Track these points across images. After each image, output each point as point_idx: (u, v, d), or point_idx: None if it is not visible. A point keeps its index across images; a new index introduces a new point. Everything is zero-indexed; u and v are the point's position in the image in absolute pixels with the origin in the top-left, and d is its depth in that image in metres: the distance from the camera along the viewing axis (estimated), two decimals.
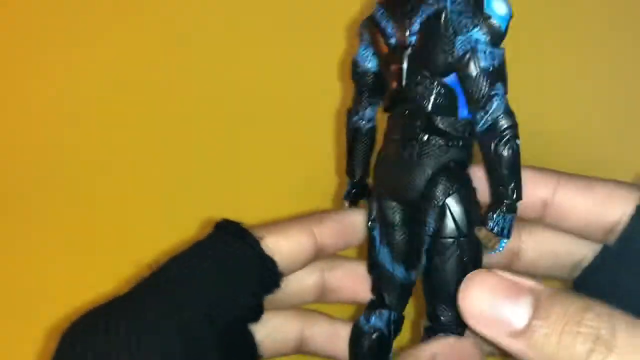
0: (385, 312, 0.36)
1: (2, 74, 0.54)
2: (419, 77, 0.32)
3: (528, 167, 0.34)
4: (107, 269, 0.48)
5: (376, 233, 0.36)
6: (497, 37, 0.31)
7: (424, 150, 0.33)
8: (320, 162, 0.51)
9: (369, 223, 0.37)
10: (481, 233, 0.32)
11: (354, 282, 0.39)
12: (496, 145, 0.31)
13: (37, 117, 0.54)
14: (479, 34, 0.31)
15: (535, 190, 0.34)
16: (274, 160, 0.52)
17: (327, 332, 0.39)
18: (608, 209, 0.34)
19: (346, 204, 0.39)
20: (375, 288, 0.37)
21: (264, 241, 0.35)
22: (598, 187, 0.34)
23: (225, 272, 0.34)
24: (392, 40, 0.33)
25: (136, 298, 0.32)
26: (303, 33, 0.51)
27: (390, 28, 0.33)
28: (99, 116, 0.53)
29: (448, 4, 0.31)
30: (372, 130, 0.38)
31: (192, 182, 0.53)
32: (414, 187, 0.33)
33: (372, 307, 0.37)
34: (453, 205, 0.32)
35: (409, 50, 0.32)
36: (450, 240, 0.32)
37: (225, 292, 0.33)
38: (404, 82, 0.33)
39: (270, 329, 0.38)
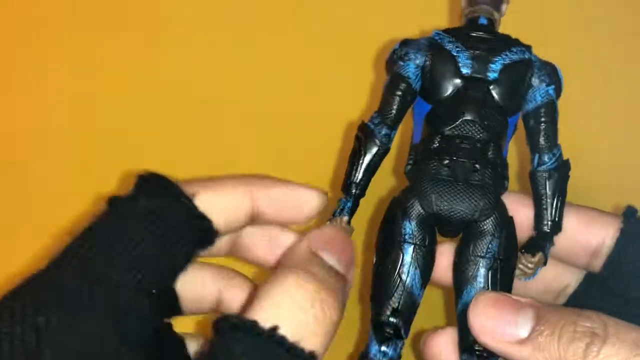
0: (400, 343, 0.36)
1: (2, 74, 0.55)
2: (487, 110, 0.37)
3: (512, 192, 0.38)
4: None
5: (408, 254, 0.36)
6: (558, 97, 0.38)
7: (480, 176, 0.36)
8: (318, 170, 0.52)
9: (399, 240, 0.36)
10: (527, 260, 0.37)
11: (274, 248, 0.37)
12: (556, 182, 0.37)
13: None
14: (553, 91, 0.38)
15: (524, 211, 0.38)
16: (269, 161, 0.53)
17: (245, 296, 0.37)
18: (591, 233, 0.37)
19: (345, 219, 0.37)
20: (391, 313, 0.35)
21: (198, 198, 0.32)
22: (581, 212, 0.38)
23: (157, 236, 0.30)
24: (466, 70, 0.37)
25: (54, 277, 0.28)
26: (301, 36, 0.54)
27: (464, 58, 0.37)
28: (87, 116, 0.54)
29: (533, 57, 0.38)
30: (388, 151, 0.38)
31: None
32: (469, 211, 0.36)
33: (385, 338, 0.36)
34: (507, 235, 0.36)
35: (490, 85, 0.37)
36: (501, 263, 0.36)
37: (158, 259, 0.31)
38: (482, 111, 0.36)
39: (191, 286, 0.35)
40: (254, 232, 0.38)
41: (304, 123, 0.54)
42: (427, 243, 0.36)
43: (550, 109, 0.37)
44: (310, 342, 0.26)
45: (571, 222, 0.37)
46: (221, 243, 0.36)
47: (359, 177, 0.37)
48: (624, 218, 0.37)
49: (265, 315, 0.26)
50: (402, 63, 0.38)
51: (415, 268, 0.36)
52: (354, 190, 0.37)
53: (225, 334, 0.25)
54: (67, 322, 0.26)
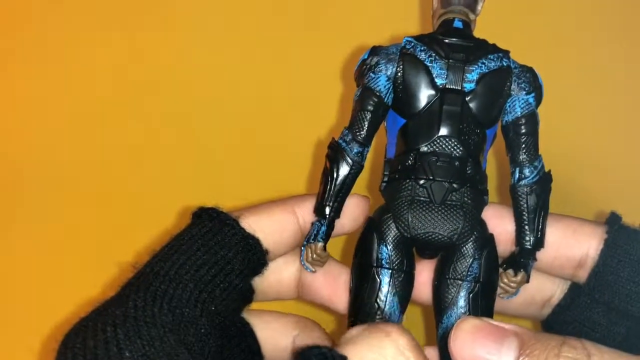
0: None
1: (1, 74, 0.54)
2: (465, 124, 0.34)
3: (494, 203, 0.36)
4: (95, 269, 0.48)
5: (385, 280, 0.34)
6: (538, 104, 0.36)
7: (459, 196, 0.34)
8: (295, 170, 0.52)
9: (375, 265, 0.34)
10: (509, 280, 0.35)
11: (330, 283, 0.38)
12: (538, 196, 0.35)
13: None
14: (533, 99, 0.35)
15: (504, 225, 0.36)
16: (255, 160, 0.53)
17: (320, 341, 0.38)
18: (575, 243, 0.36)
19: (319, 245, 0.35)
20: None
21: (244, 220, 0.35)
22: (564, 221, 0.37)
23: (210, 257, 0.33)
24: (441, 82, 0.34)
25: (125, 301, 0.31)
26: (264, 48, 0.53)
27: (438, 68, 0.35)
28: (80, 117, 0.54)
29: (512, 64, 0.35)
30: (362, 169, 0.36)
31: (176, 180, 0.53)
32: (448, 234, 0.34)
33: None
34: (487, 256, 0.34)
35: (467, 97, 0.34)
36: (482, 286, 0.34)
37: (213, 277, 0.33)
38: (460, 126, 0.34)
39: (269, 333, 0.38)
40: (316, 274, 0.38)
41: (271, 142, 0.52)
42: (405, 267, 0.35)
43: (531, 119, 0.35)
44: None
45: (554, 234, 0.36)
46: (288, 283, 0.38)
47: (332, 199, 0.35)
48: (607, 227, 0.36)
49: (353, 354, 0.27)
50: (372, 75, 0.35)
51: (394, 295, 0.34)
52: (328, 213, 0.35)
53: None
54: (131, 333, 0.28)
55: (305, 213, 0.37)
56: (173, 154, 0.53)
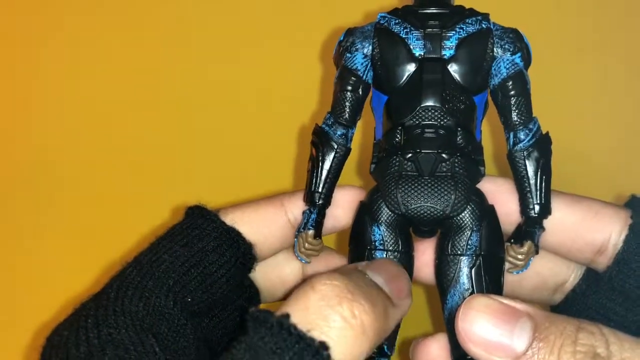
0: None
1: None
2: (449, 92, 0.33)
3: (492, 177, 0.35)
4: (86, 265, 0.48)
5: None
6: (527, 66, 0.34)
7: (449, 166, 0.32)
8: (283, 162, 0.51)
9: (369, 248, 0.33)
10: (515, 251, 0.33)
11: None
12: (537, 160, 0.33)
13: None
14: (519, 60, 0.34)
15: (505, 203, 0.34)
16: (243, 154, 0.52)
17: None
18: (596, 226, 0.34)
19: (310, 233, 0.34)
20: None
21: (226, 214, 0.35)
22: (585, 203, 0.34)
23: (187, 250, 0.33)
24: (418, 52, 0.33)
25: (101, 293, 0.31)
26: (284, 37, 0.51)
27: (414, 39, 0.33)
28: (75, 115, 0.53)
29: (492, 26, 0.34)
30: (349, 151, 0.35)
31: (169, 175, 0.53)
32: (440, 207, 0.32)
33: (369, 358, 0.32)
34: (487, 227, 0.33)
35: (448, 64, 0.33)
36: (484, 260, 0.32)
37: (188, 269, 0.33)
38: (442, 94, 0.33)
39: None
40: (316, 263, 0.37)
41: (254, 133, 0.51)
42: (400, 247, 0.33)
43: (519, 79, 0.33)
44: (323, 333, 0.24)
45: (574, 215, 0.34)
46: (292, 280, 0.38)
47: (321, 186, 0.34)
48: (631, 211, 0.34)
49: (288, 307, 0.26)
50: (349, 55, 0.34)
51: None
52: (317, 201, 0.34)
53: (249, 323, 0.25)
54: (100, 321, 0.29)
55: (294, 208, 0.36)
56: (166, 152, 0.53)
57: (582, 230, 0.34)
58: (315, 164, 0.34)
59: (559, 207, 0.34)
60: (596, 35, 0.49)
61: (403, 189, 0.32)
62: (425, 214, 0.32)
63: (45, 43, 0.53)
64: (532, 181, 0.33)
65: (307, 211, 0.35)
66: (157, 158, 0.53)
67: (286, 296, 0.36)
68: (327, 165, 0.34)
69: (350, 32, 0.35)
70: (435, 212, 0.32)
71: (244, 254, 0.35)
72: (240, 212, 0.35)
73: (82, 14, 0.53)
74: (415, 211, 0.32)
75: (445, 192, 0.32)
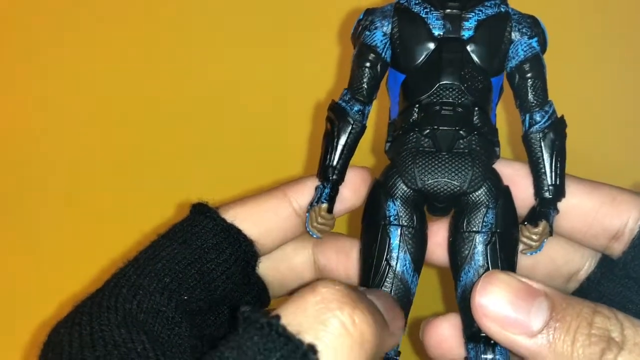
0: None
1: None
2: (467, 71, 0.33)
3: (507, 160, 0.35)
4: (88, 263, 0.48)
5: (395, 237, 0.33)
6: (543, 51, 0.34)
7: (466, 143, 0.33)
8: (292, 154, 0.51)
9: (384, 223, 0.33)
10: (530, 232, 0.33)
11: (344, 260, 0.37)
12: (552, 142, 0.33)
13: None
14: (536, 44, 0.34)
15: (519, 185, 0.34)
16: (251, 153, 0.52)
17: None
18: (613, 212, 0.33)
19: (324, 206, 0.34)
20: None
21: (227, 211, 0.34)
22: (603, 188, 0.34)
23: (185, 248, 0.33)
24: (438, 32, 0.33)
25: (101, 296, 0.31)
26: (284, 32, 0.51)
27: (434, 19, 0.33)
28: (76, 111, 0.53)
29: (510, 10, 0.34)
30: (365, 129, 0.35)
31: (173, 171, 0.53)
32: (458, 182, 0.32)
33: None
34: (503, 206, 0.33)
35: (467, 45, 0.33)
36: (499, 237, 0.32)
37: (185, 266, 0.32)
38: (461, 73, 0.33)
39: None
40: (327, 250, 0.37)
41: (270, 109, 0.51)
42: (415, 223, 0.33)
43: (536, 62, 0.34)
44: (317, 337, 0.24)
45: (592, 200, 0.34)
46: (302, 270, 0.37)
47: (335, 160, 0.34)
48: None
49: (282, 309, 0.25)
50: (368, 33, 0.34)
51: (405, 252, 0.33)
52: (331, 176, 0.34)
53: (240, 322, 0.25)
54: (93, 318, 0.29)
55: (298, 196, 0.35)
56: (172, 147, 0.53)
57: (599, 216, 0.34)
58: (330, 138, 0.34)
59: (576, 193, 0.34)
60: (597, 35, 0.49)
61: (420, 164, 0.32)
62: (443, 189, 0.32)
63: (44, 39, 0.53)
64: (547, 163, 0.33)
65: (321, 186, 0.35)
66: (162, 153, 0.53)
67: (297, 286, 0.37)
68: (342, 140, 0.34)
69: (369, 11, 0.35)
70: (453, 188, 0.32)
71: (245, 251, 0.34)
72: (241, 207, 0.35)
73: (83, 14, 0.53)
74: (432, 186, 0.32)
75: (463, 168, 0.32)
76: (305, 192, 0.35)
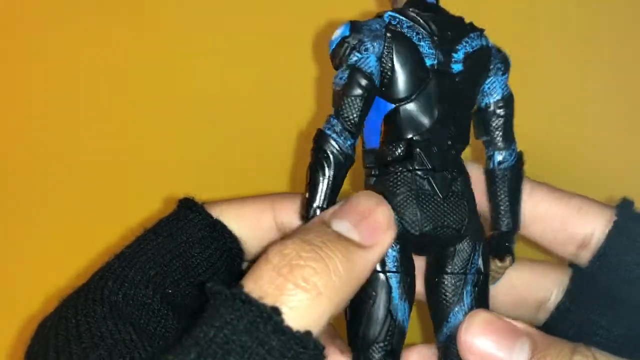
0: None
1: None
2: (455, 107, 0.32)
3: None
4: (75, 257, 0.48)
5: (396, 287, 0.31)
6: None
7: (459, 186, 0.32)
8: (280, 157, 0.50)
9: (383, 271, 0.31)
10: (496, 266, 0.34)
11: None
12: (515, 179, 0.34)
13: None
14: (506, 80, 0.34)
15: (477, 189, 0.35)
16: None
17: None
18: (579, 220, 0.35)
19: None
20: (383, 358, 0.31)
21: (213, 208, 0.35)
22: (571, 197, 0.35)
23: (170, 242, 0.33)
24: (430, 62, 0.32)
25: (87, 289, 0.32)
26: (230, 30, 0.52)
27: (427, 47, 0.32)
28: (64, 107, 0.54)
29: (489, 43, 0.34)
30: (354, 162, 0.32)
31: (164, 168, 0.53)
32: (457, 226, 0.31)
33: None
34: (484, 245, 0.33)
35: (456, 78, 0.32)
36: (484, 277, 0.33)
37: (170, 260, 0.33)
38: (450, 109, 0.32)
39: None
40: (287, 210, 0.36)
41: (250, 134, 0.51)
42: (411, 270, 0.32)
43: (511, 101, 0.34)
44: (277, 301, 0.25)
45: (559, 208, 0.35)
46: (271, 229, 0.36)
47: (327, 201, 0.30)
48: (617, 210, 0.35)
49: (243, 280, 0.26)
50: (359, 55, 0.31)
51: (404, 300, 0.31)
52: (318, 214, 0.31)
53: (208, 299, 0.26)
54: (80, 311, 0.30)
55: (282, 212, 0.35)
56: (159, 146, 0.53)
57: (567, 224, 0.35)
58: (320, 175, 0.30)
59: (546, 199, 0.35)
60: (597, 34, 0.48)
61: (423, 207, 0.31)
62: (443, 234, 0.31)
63: (37, 39, 0.54)
64: (508, 199, 0.34)
65: None
66: (150, 148, 0.53)
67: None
68: (333, 177, 0.30)
69: (356, 28, 0.32)
70: (452, 232, 0.31)
71: (230, 247, 0.35)
72: (227, 206, 0.35)
73: (83, 13, 0.54)
74: (435, 231, 0.31)
75: (461, 213, 0.32)
76: (291, 210, 0.35)
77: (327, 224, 0.28)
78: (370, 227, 0.28)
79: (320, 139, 0.31)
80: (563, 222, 0.35)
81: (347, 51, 0.31)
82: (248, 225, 0.35)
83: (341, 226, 0.28)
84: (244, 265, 0.36)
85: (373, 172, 0.33)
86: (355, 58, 0.31)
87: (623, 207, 0.35)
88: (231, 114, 0.52)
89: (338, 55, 0.32)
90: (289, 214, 0.35)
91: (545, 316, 0.37)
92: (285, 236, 0.28)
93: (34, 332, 0.31)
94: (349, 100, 0.31)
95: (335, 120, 0.31)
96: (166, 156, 0.53)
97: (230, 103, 0.52)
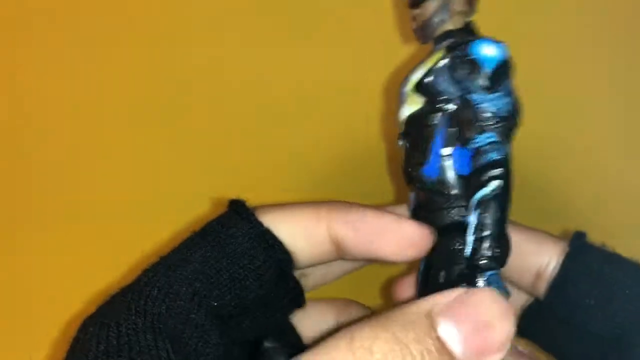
0: None
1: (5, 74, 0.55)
2: None
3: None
4: (120, 258, 0.48)
5: None
6: None
7: None
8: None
9: None
10: None
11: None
12: None
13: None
14: None
15: None
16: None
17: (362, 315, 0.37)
18: (534, 252, 0.35)
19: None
20: None
21: (264, 215, 0.33)
22: (527, 231, 0.35)
23: (217, 251, 0.32)
24: None
25: (130, 297, 0.31)
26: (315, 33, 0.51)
27: None
28: (104, 105, 0.54)
29: None
30: None
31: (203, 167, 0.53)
32: None
33: None
34: None
35: None
36: None
37: (217, 272, 0.32)
38: None
39: (309, 322, 0.37)
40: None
41: (304, 137, 0.51)
42: None
43: None
44: None
45: (516, 239, 0.32)
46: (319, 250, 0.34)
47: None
48: (570, 241, 0.35)
49: (315, 356, 0.24)
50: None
51: None
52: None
53: None
54: (120, 321, 0.29)
55: (337, 224, 0.33)
56: (209, 146, 0.53)
57: (522, 256, 0.34)
58: (509, 198, 0.29)
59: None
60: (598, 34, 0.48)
61: None
62: None
63: (52, 40, 0.54)
64: None
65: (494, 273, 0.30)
66: (199, 151, 0.52)
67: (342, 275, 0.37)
68: None
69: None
70: None
71: (279, 259, 0.33)
72: (278, 213, 0.33)
73: (83, 13, 0.53)
74: None
75: None
76: (347, 223, 0.33)
77: (433, 321, 0.24)
78: (479, 347, 0.24)
79: (508, 164, 0.29)
80: (520, 254, 0.33)
81: (509, 77, 0.30)
82: (300, 236, 0.33)
83: (449, 334, 0.24)
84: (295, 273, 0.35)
85: (454, 204, 0.31)
86: (513, 90, 0.30)
87: (576, 239, 0.35)
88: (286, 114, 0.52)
89: (499, 77, 0.30)
90: (345, 230, 0.33)
91: (544, 285, 0.35)
92: (385, 312, 0.25)
93: (77, 331, 0.31)
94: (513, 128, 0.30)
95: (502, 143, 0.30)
96: (214, 156, 0.53)
97: (287, 101, 0.52)
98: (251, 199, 0.35)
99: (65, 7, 0.53)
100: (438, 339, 0.24)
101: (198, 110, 0.53)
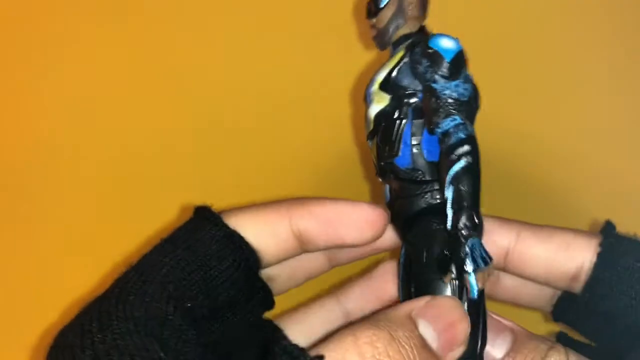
0: None
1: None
2: None
3: (490, 216, 0.35)
4: (92, 267, 0.48)
5: None
6: None
7: None
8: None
9: None
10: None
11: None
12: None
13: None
14: None
15: (497, 239, 0.35)
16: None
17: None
18: (568, 257, 0.35)
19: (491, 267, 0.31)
20: None
21: (229, 217, 0.34)
22: (557, 235, 0.36)
23: (188, 254, 0.33)
24: None
25: (105, 297, 0.32)
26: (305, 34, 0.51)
27: None
28: (79, 111, 0.53)
29: None
30: None
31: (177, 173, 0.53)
32: None
33: None
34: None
35: None
36: None
37: (189, 274, 0.33)
38: None
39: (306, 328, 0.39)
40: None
41: (278, 112, 0.51)
42: None
43: None
44: None
45: (547, 249, 0.35)
46: (313, 265, 0.38)
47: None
48: (602, 239, 0.35)
49: (324, 349, 0.27)
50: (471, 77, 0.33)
51: None
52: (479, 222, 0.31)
53: (281, 357, 0.27)
54: (105, 327, 0.29)
55: (299, 219, 0.35)
56: (177, 147, 0.53)
57: (557, 263, 0.35)
58: (477, 176, 0.30)
59: (533, 244, 0.35)
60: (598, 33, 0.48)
61: None
62: None
63: (46, 40, 0.53)
64: None
65: (475, 240, 0.30)
66: (166, 155, 0.52)
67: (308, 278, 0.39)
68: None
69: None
70: None
71: (247, 259, 0.34)
72: (242, 215, 0.35)
73: (83, 13, 0.53)
74: None
75: None
76: (308, 217, 0.35)
77: (414, 322, 0.29)
78: (449, 341, 0.30)
79: (473, 137, 0.31)
80: (553, 262, 0.35)
81: (466, 66, 0.32)
82: (265, 234, 0.35)
83: (427, 331, 0.29)
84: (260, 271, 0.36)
85: (427, 189, 0.33)
86: (471, 77, 0.32)
87: (606, 234, 0.35)
88: (255, 108, 0.52)
89: (458, 66, 0.32)
90: (306, 221, 0.35)
91: (580, 285, 0.36)
92: (374, 315, 0.29)
93: (53, 342, 0.31)
94: (474, 111, 0.32)
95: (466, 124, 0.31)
96: (182, 163, 0.53)
97: (247, 107, 0.52)
98: (221, 205, 0.35)
99: (64, 7, 0.53)
100: (419, 336, 0.29)
101: (166, 117, 0.53)
